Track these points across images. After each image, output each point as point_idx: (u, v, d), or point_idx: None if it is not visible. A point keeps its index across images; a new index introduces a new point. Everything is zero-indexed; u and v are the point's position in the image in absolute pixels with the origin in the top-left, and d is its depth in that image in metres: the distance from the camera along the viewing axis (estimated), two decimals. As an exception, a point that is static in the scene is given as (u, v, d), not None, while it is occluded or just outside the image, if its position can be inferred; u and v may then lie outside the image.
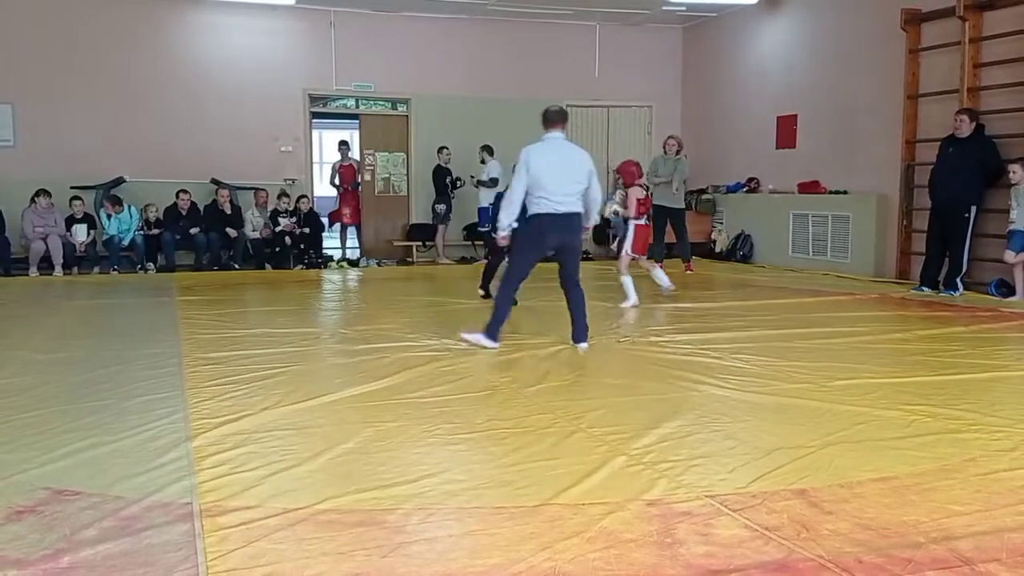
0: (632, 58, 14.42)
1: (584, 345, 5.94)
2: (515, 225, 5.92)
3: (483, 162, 12.69)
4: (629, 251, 8.29)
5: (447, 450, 3.72)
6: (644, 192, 8.41)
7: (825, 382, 4.95)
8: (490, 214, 12.68)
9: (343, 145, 13.82)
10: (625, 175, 8.41)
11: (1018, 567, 2.55)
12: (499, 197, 7.66)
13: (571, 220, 5.83)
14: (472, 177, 12.80)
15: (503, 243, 6.11)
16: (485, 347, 5.87)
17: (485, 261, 12.80)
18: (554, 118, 6.00)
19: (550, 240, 5.86)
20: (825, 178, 11.43)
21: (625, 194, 8.41)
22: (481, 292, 8.41)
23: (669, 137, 11.59)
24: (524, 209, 5.92)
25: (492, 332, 5.92)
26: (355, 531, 2.81)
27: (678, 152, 11.34)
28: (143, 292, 9.57)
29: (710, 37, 14.04)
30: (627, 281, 8.16)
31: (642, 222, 8.30)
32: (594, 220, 6.16)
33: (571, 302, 6.02)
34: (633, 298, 8.05)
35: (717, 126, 13.75)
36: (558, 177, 5.76)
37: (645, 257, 8.63)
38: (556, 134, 5.97)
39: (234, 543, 2.70)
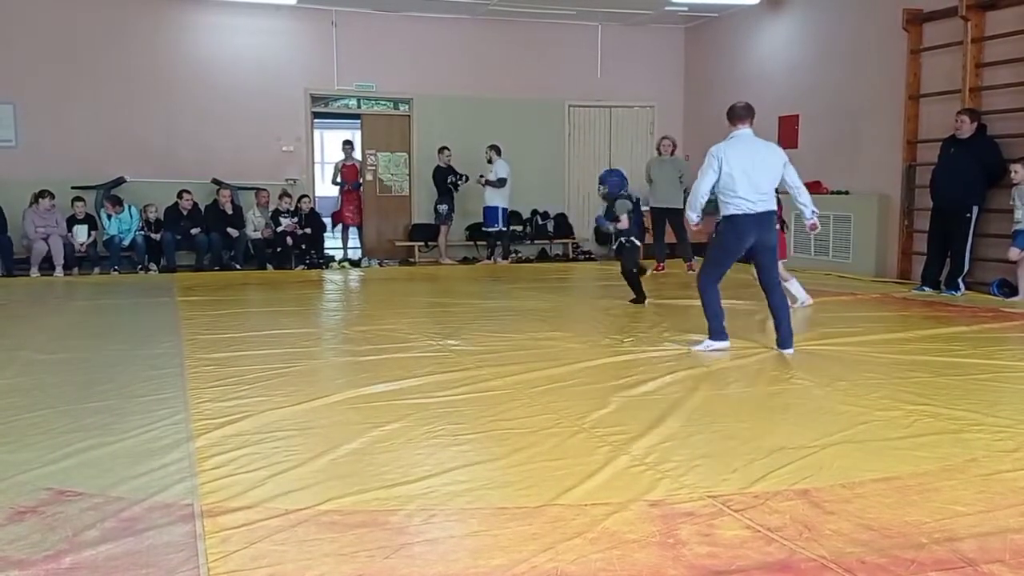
0: (634, 58, 14.42)
1: (790, 351, 5.79)
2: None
3: (490, 161, 12.68)
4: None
5: (449, 451, 3.72)
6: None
7: (827, 382, 4.95)
8: (497, 216, 12.74)
9: (347, 144, 13.82)
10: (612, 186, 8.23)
11: (1021, 568, 2.55)
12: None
13: (767, 219, 5.73)
14: (481, 177, 12.78)
15: (696, 229, 6.20)
16: (720, 349, 5.84)
17: (488, 262, 12.92)
18: (741, 114, 5.86)
19: (747, 241, 5.76)
20: (827, 178, 11.42)
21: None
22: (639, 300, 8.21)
23: (663, 138, 11.61)
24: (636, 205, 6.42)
25: (716, 333, 5.91)
26: (357, 532, 2.81)
27: (672, 152, 11.35)
28: (144, 293, 9.57)
29: (712, 37, 14.04)
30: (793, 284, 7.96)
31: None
32: (813, 208, 5.99)
33: (772, 306, 5.91)
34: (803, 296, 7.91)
35: (719, 126, 13.60)
36: (753, 177, 5.64)
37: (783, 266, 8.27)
38: (745, 131, 5.83)
39: (236, 544, 2.69)
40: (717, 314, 5.92)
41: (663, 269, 11.28)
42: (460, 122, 13.51)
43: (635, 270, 8.12)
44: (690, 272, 11.01)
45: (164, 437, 3.86)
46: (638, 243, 8.12)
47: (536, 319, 7.21)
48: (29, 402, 4.52)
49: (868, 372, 5.25)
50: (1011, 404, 4.54)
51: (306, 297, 9.40)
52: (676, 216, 11.30)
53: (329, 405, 4.47)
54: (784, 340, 5.85)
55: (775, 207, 5.83)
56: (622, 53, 14.32)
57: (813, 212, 5.95)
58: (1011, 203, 8.46)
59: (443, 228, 13.13)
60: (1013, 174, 8.38)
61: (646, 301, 8.03)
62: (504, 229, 13.00)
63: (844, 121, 11.17)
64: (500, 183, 12.57)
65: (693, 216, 5.97)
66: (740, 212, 5.68)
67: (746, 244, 5.79)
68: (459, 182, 12.90)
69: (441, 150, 12.92)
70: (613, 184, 8.12)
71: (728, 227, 5.78)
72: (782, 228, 7.95)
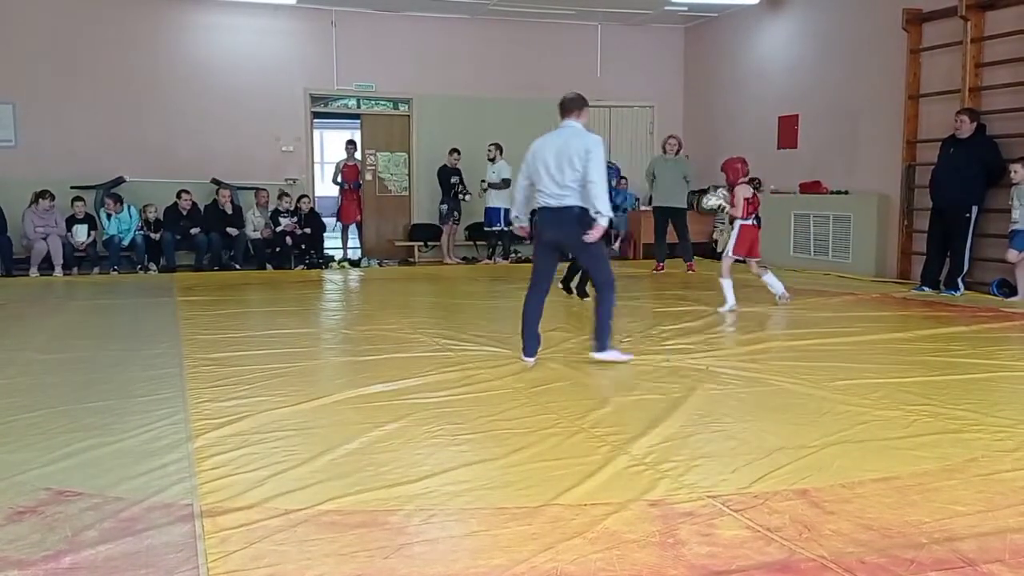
0: (634, 58, 14.42)
1: (597, 355, 5.52)
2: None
3: (493, 160, 12.66)
4: (731, 253, 7.88)
5: (449, 451, 3.71)
6: (752, 191, 8.01)
7: (826, 382, 4.95)
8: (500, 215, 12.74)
9: (351, 144, 13.81)
10: (729, 172, 7.98)
11: (1021, 568, 2.55)
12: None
13: (565, 215, 5.40)
14: (483, 183, 12.77)
15: (521, 234, 6.04)
16: (622, 361, 5.55)
17: (489, 262, 12.91)
18: (566, 107, 5.61)
19: (543, 236, 5.56)
20: (826, 178, 11.42)
21: (730, 192, 8.00)
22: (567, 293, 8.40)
23: (669, 137, 11.58)
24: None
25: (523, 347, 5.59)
26: (357, 532, 2.80)
27: (678, 152, 11.33)
28: (144, 292, 9.57)
29: (712, 37, 14.04)
30: (727, 284, 7.78)
31: (749, 222, 7.82)
32: (600, 213, 5.35)
33: (595, 307, 5.64)
34: (731, 302, 7.72)
35: (719, 126, 13.75)
36: (548, 169, 5.39)
37: (755, 262, 8.11)
38: (568, 122, 5.57)
39: (235, 544, 2.69)
40: (526, 327, 5.54)
41: (663, 269, 11.28)
42: (460, 122, 13.50)
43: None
44: (690, 272, 11.02)
45: (163, 437, 3.86)
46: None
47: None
48: (28, 402, 4.51)
49: (868, 372, 5.25)
50: (1011, 404, 4.54)
51: (306, 297, 9.40)
52: (679, 216, 11.31)
53: (329, 405, 4.47)
54: (598, 343, 5.52)
55: (576, 204, 5.39)
56: (622, 53, 14.32)
57: (597, 213, 5.32)
58: (1009, 203, 8.46)
59: (446, 228, 13.12)
60: (1012, 174, 8.38)
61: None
62: (505, 229, 13.00)
63: (844, 121, 11.17)
64: (504, 184, 12.57)
65: (512, 213, 5.86)
66: (538, 206, 5.53)
67: (543, 239, 5.57)
68: (461, 195, 12.87)
69: (451, 151, 12.90)
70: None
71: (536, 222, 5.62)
72: (757, 224, 7.94)
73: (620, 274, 9.20)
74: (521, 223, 5.89)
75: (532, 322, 5.58)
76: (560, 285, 8.20)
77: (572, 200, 5.41)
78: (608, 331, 5.53)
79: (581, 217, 5.39)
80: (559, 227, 5.49)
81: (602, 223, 5.35)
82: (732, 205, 7.89)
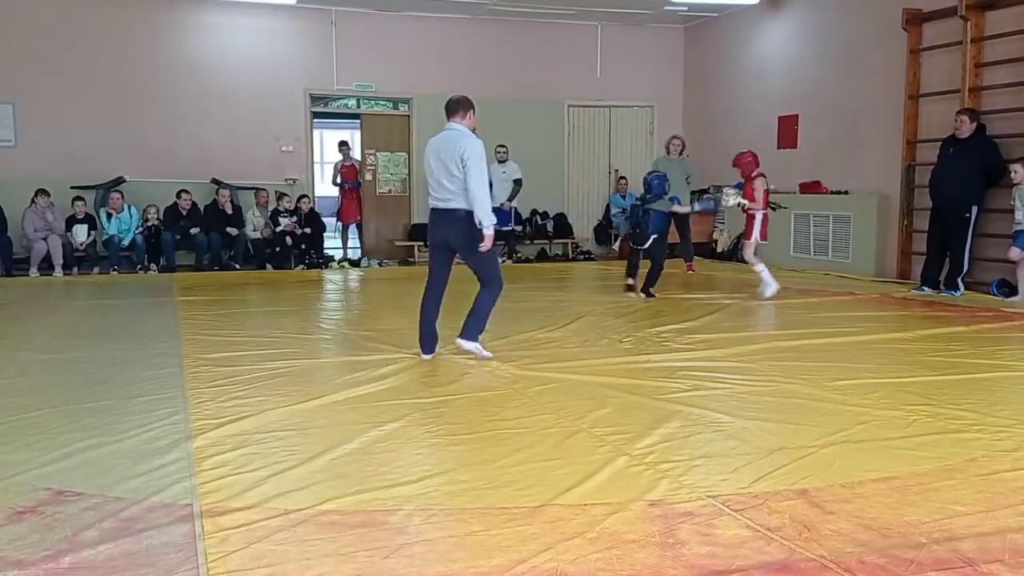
0: (634, 58, 14.42)
1: (461, 342, 5.58)
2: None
3: (502, 161, 12.66)
4: (760, 239, 8.52)
5: (449, 451, 3.72)
6: (765, 180, 8.61)
7: (826, 382, 4.95)
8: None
9: (343, 145, 13.82)
10: (743, 166, 8.59)
11: (1021, 568, 2.55)
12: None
13: (448, 216, 5.45)
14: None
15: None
16: (482, 356, 5.61)
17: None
18: (451, 107, 5.63)
19: (434, 237, 5.64)
20: (826, 178, 11.42)
21: (744, 185, 8.56)
22: (642, 294, 8.61)
23: (673, 137, 11.55)
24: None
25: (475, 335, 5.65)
26: (356, 532, 2.80)
27: (681, 152, 11.32)
28: (143, 292, 9.58)
29: (712, 37, 14.04)
30: (762, 269, 8.51)
31: (769, 210, 8.59)
32: (482, 217, 5.32)
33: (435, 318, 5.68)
34: (773, 284, 8.43)
35: (719, 126, 13.74)
36: (435, 173, 5.47)
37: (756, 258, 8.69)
38: (450, 124, 5.60)
39: (235, 544, 2.69)
40: (423, 325, 5.65)
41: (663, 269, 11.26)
42: (460, 122, 13.48)
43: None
44: (689, 272, 11.02)
45: (163, 437, 3.86)
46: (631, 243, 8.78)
47: (535, 319, 7.21)
48: (28, 402, 4.51)
49: (868, 372, 5.25)
50: (1011, 404, 4.54)
51: (305, 297, 9.39)
52: (682, 216, 11.28)
53: (329, 405, 4.47)
54: (465, 330, 5.61)
55: (460, 207, 5.39)
56: (621, 53, 14.32)
57: (482, 224, 5.33)
58: (1011, 203, 8.45)
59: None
60: (1013, 174, 8.37)
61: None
62: (507, 229, 13.01)
63: (844, 121, 11.17)
64: (517, 184, 12.58)
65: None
66: (430, 207, 5.64)
67: (434, 241, 5.66)
68: None
69: None
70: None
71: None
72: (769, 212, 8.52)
73: (619, 274, 9.23)
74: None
75: (428, 321, 5.67)
76: (643, 295, 8.58)
77: (457, 203, 5.41)
78: (481, 323, 5.62)
79: (467, 219, 5.39)
80: (446, 228, 5.52)
81: (487, 232, 5.33)
82: (751, 200, 8.47)
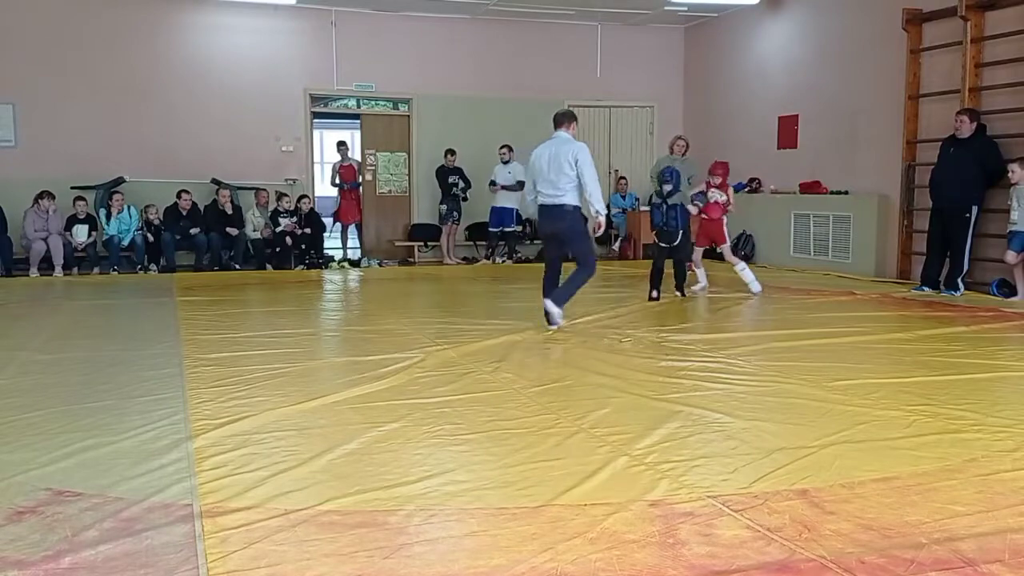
0: (634, 58, 14.42)
1: (551, 305, 6.54)
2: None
3: (506, 162, 12.66)
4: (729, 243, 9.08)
5: (449, 451, 3.71)
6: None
7: (826, 382, 4.94)
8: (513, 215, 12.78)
9: (342, 145, 13.83)
10: (725, 174, 8.95)
11: (1021, 568, 2.55)
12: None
13: (555, 211, 6.53)
14: (492, 183, 12.78)
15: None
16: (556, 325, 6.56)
17: (487, 261, 12.91)
18: (558, 120, 6.74)
19: (543, 229, 6.77)
20: (826, 178, 11.43)
21: (719, 190, 8.87)
22: (677, 293, 8.66)
23: (678, 138, 11.50)
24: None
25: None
26: (357, 532, 2.80)
27: (684, 153, 11.31)
28: (143, 293, 9.57)
29: (712, 37, 14.04)
30: (743, 268, 8.92)
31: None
32: (597, 207, 6.50)
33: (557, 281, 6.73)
34: (757, 282, 8.82)
35: (719, 126, 13.75)
36: (544, 173, 6.50)
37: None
38: (558, 133, 6.66)
39: (235, 544, 2.69)
40: (544, 294, 6.66)
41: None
42: (460, 122, 13.51)
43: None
44: (690, 273, 11.00)
45: (163, 437, 3.86)
46: (658, 241, 8.51)
47: (535, 319, 7.20)
48: (28, 402, 4.51)
49: (868, 372, 5.25)
50: (1011, 404, 4.53)
51: (305, 297, 9.40)
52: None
53: (328, 405, 4.47)
54: (555, 298, 6.61)
55: (569, 202, 6.48)
56: (622, 53, 14.32)
57: (597, 212, 6.52)
58: (1008, 203, 8.46)
59: (446, 228, 13.12)
60: (1011, 174, 8.37)
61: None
62: (510, 230, 13.02)
63: (843, 121, 11.17)
64: (519, 186, 12.59)
65: (522, 212, 6.56)
66: (539, 203, 6.64)
67: (543, 232, 6.85)
68: (459, 191, 12.88)
69: (447, 152, 12.91)
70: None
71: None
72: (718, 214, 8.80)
73: (619, 274, 9.24)
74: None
75: (549, 290, 6.76)
76: (678, 294, 8.68)
77: (567, 199, 6.50)
78: (568, 295, 6.65)
79: (574, 213, 6.57)
80: (554, 221, 6.61)
81: (599, 219, 6.54)
82: (731, 203, 8.88)
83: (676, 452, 3.65)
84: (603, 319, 7.34)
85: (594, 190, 6.43)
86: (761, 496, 3.12)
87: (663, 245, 8.39)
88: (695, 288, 8.93)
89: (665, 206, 8.27)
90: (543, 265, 7.12)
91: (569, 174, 6.40)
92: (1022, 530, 2.83)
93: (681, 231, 8.30)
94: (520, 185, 12.53)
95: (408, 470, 3.44)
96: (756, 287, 8.77)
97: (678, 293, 8.61)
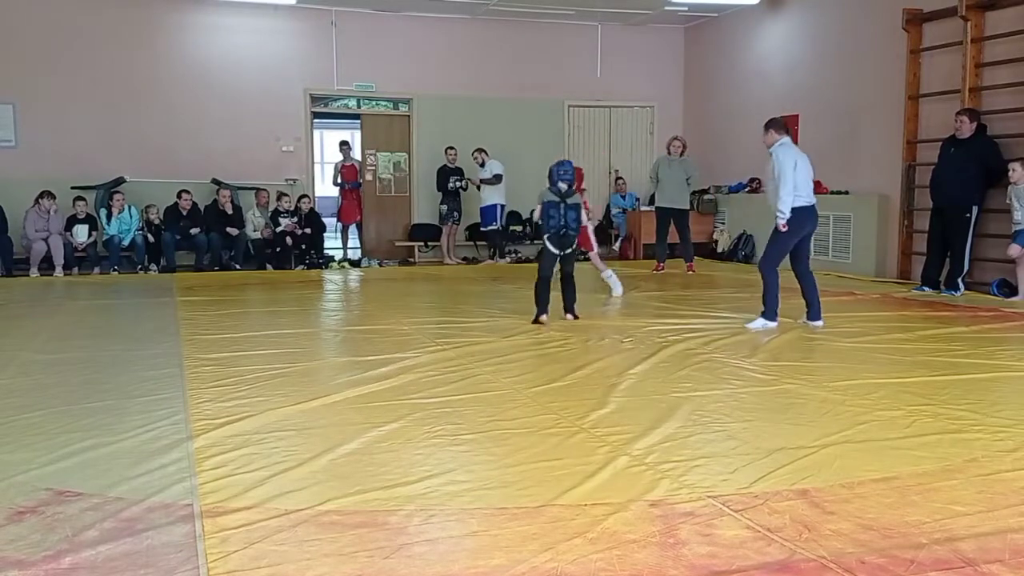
0: (634, 58, 14.43)
1: (819, 323, 6.92)
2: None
3: (482, 165, 12.68)
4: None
5: (449, 451, 3.71)
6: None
7: (826, 382, 4.95)
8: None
9: (344, 145, 13.83)
10: (581, 180, 7.90)
11: (1021, 568, 2.55)
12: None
13: (816, 211, 6.98)
14: (475, 180, 12.79)
15: (784, 229, 6.79)
16: (770, 328, 6.78)
17: (492, 261, 12.89)
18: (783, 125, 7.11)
19: (807, 228, 6.92)
20: (826, 178, 11.39)
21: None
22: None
23: (674, 138, 11.54)
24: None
25: (770, 314, 6.90)
26: (357, 532, 2.80)
27: (682, 153, 11.32)
28: (144, 293, 9.57)
29: (712, 37, 14.04)
30: (610, 274, 8.94)
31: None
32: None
33: (804, 288, 7.00)
34: (619, 285, 8.82)
35: (719, 126, 13.75)
36: (806, 175, 6.84)
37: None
38: (788, 139, 7.00)
39: (235, 544, 2.69)
40: (774, 297, 6.93)
41: (663, 269, 11.28)
42: (460, 122, 13.51)
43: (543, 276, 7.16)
44: (689, 273, 11.02)
45: (163, 437, 3.86)
46: (551, 247, 7.16)
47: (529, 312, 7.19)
48: (28, 402, 4.51)
49: (868, 372, 5.25)
50: (1011, 404, 4.53)
51: (306, 297, 9.39)
52: (682, 216, 11.29)
53: (329, 405, 4.47)
54: (814, 314, 7.01)
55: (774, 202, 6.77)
56: (622, 53, 14.32)
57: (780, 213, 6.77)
58: (1007, 202, 8.45)
59: (446, 228, 13.12)
60: (1011, 173, 8.37)
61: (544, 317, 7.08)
62: (501, 227, 12.99)
63: (844, 121, 11.17)
64: (496, 179, 12.58)
65: (788, 211, 6.69)
66: (802, 205, 6.80)
67: (805, 230, 6.94)
68: (459, 187, 12.89)
69: (447, 149, 12.91)
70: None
71: (794, 217, 6.79)
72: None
73: (619, 274, 9.23)
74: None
75: (806, 287, 7.09)
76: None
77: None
78: (767, 299, 6.95)
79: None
80: (815, 220, 7.02)
81: (778, 221, 6.78)
82: (588, 209, 8.14)
83: (676, 452, 3.65)
84: (603, 319, 7.33)
85: (782, 194, 6.76)
86: (761, 496, 3.12)
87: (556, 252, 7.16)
88: (615, 292, 8.85)
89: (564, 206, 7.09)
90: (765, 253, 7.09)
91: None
92: (1022, 530, 2.83)
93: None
94: (498, 179, 12.52)
95: (408, 470, 3.44)
96: (618, 290, 8.82)
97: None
